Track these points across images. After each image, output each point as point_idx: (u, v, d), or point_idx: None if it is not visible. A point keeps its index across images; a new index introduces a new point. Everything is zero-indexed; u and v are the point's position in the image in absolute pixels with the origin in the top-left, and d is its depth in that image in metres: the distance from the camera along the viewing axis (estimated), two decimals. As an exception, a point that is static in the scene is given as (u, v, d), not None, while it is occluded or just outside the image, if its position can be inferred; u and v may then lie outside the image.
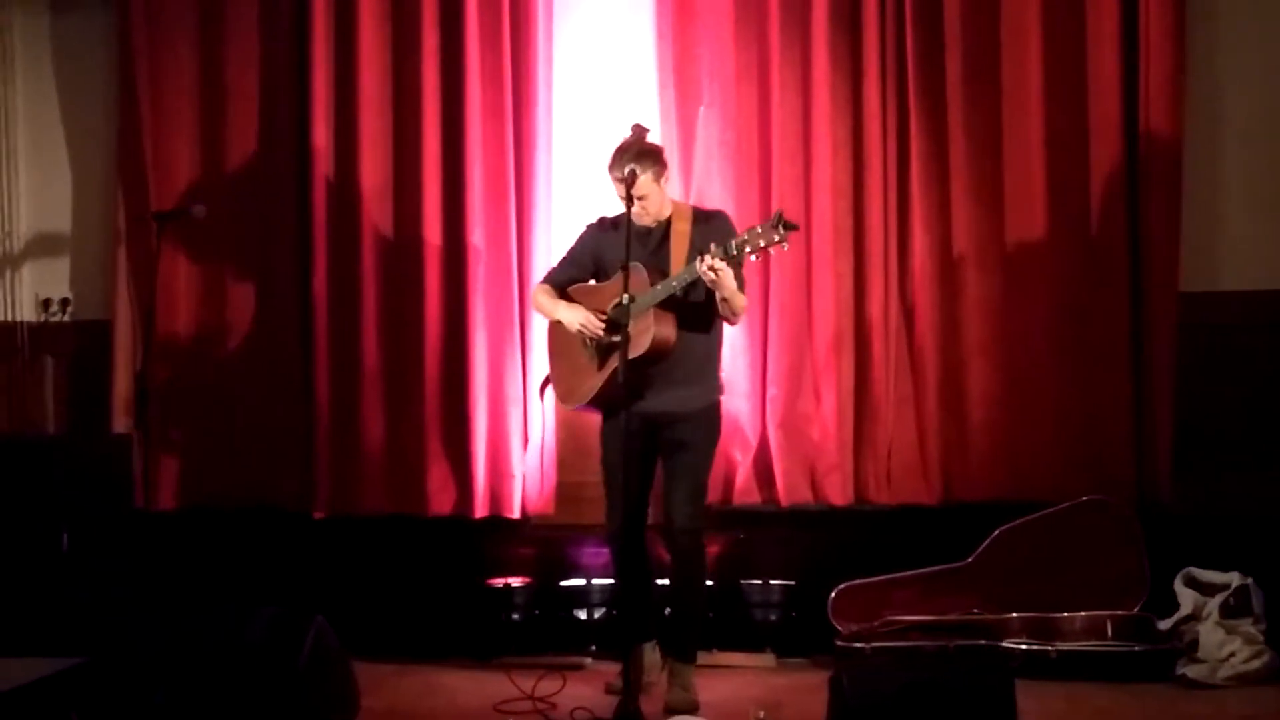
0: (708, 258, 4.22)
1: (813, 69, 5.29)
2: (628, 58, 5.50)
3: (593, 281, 4.66)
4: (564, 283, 4.68)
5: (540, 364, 5.33)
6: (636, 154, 4.42)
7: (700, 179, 5.35)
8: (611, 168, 4.45)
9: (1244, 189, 5.26)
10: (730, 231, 4.48)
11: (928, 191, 5.29)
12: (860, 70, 5.29)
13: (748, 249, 4.24)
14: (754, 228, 4.27)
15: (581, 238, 4.73)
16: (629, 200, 4.33)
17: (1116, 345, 5.18)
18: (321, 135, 5.47)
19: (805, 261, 5.28)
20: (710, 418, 4.59)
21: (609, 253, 4.58)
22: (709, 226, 4.51)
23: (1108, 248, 5.19)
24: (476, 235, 5.41)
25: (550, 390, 4.89)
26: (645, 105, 5.37)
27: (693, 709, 4.44)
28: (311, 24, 5.47)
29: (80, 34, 5.77)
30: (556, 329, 4.68)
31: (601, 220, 4.70)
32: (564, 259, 4.76)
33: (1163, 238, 5.13)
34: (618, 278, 4.39)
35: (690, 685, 4.54)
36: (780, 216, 4.23)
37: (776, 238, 4.20)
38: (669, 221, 4.51)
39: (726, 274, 4.24)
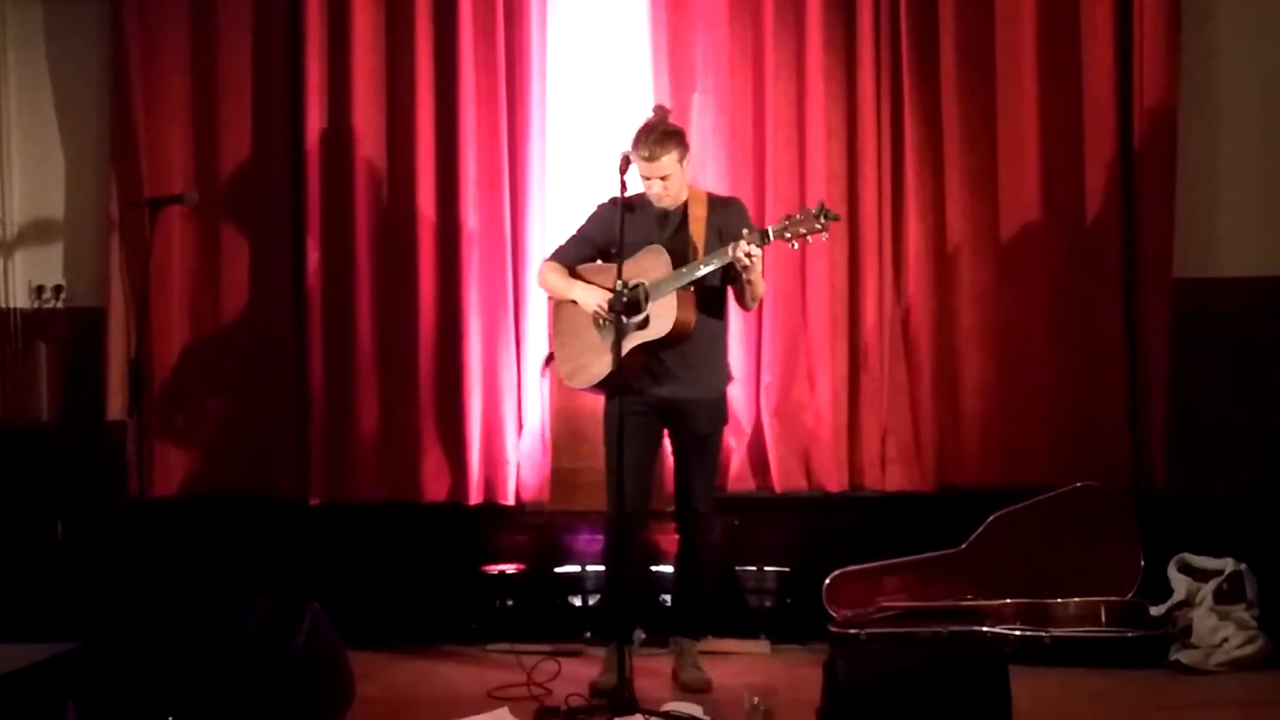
0: (742, 243, 4.24)
1: (807, 55, 5.28)
2: (622, 43, 5.47)
3: (600, 261, 4.63)
4: (574, 261, 4.65)
5: (536, 348, 5.34)
6: (661, 134, 4.40)
7: (694, 165, 5.28)
8: (636, 146, 4.42)
9: (1239, 175, 5.25)
10: (746, 218, 4.56)
11: (922, 178, 5.28)
12: (854, 56, 5.28)
13: (787, 235, 4.27)
14: (794, 214, 4.30)
15: (595, 216, 4.69)
16: (649, 180, 4.33)
17: (1111, 332, 5.18)
18: (315, 120, 5.45)
19: (799, 248, 5.26)
20: (723, 406, 4.67)
21: (625, 233, 4.53)
22: (726, 212, 4.55)
23: (1102, 234, 5.19)
24: (471, 221, 5.40)
25: (550, 370, 4.87)
26: (639, 91, 5.36)
27: (707, 686, 4.51)
28: (305, 9, 5.44)
29: (73, 20, 5.72)
30: (565, 307, 4.65)
31: (615, 200, 4.63)
32: (575, 236, 4.72)
33: (1157, 224, 5.13)
34: (636, 258, 4.41)
35: (700, 664, 4.62)
36: (822, 206, 4.27)
37: (819, 226, 4.24)
38: (685, 205, 4.51)
39: (759, 260, 4.28)
